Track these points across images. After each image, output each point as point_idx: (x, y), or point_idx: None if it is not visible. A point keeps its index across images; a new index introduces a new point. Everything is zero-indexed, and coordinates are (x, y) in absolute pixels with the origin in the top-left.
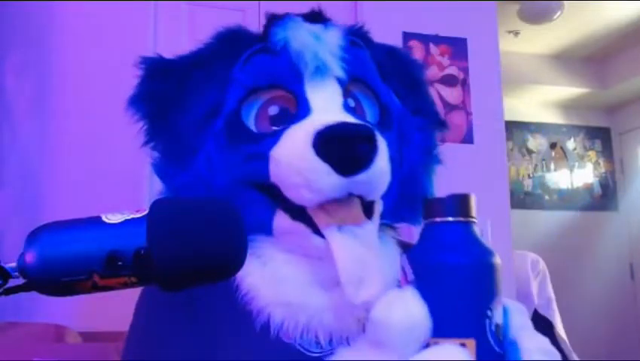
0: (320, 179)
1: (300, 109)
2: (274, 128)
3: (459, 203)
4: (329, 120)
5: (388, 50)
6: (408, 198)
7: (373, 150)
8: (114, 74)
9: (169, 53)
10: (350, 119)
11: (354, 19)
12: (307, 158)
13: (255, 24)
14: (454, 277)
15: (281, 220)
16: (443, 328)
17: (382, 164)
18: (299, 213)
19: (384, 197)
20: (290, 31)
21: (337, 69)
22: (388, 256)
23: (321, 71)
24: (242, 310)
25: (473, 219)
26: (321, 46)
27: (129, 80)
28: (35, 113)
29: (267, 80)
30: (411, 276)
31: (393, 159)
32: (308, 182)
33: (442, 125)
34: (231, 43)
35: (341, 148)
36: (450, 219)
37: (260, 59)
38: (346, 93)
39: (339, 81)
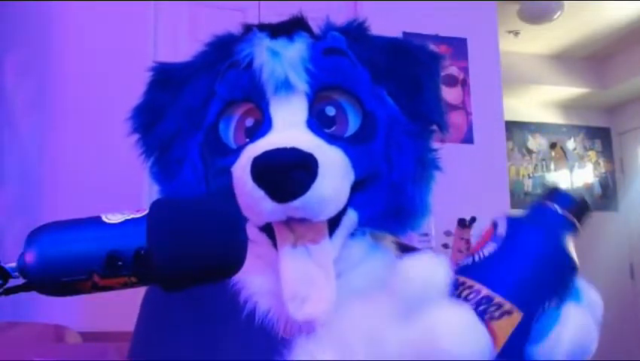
0: (257, 204)
1: (263, 126)
2: (247, 140)
3: (578, 208)
4: (271, 145)
5: (391, 46)
6: (393, 210)
7: (309, 176)
8: (114, 73)
9: (169, 53)
10: (302, 138)
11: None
12: (247, 183)
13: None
14: (541, 255)
15: (250, 230)
16: (509, 289)
17: (323, 189)
18: (265, 225)
19: (369, 205)
20: (253, 48)
21: (300, 84)
22: (382, 264)
23: (281, 87)
24: (232, 299)
25: (578, 227)
26: (279, 62)
27: (129, 79)
28: (35, 113)
29: (240, 94)
30: (502, 231)
31: (372, 170)
32: (249, 206)
33: (442, 128)
34: (218, 53)
35: (273, 176)
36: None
37: (232, 73)
38: (326, 101)
39: (307, 95)
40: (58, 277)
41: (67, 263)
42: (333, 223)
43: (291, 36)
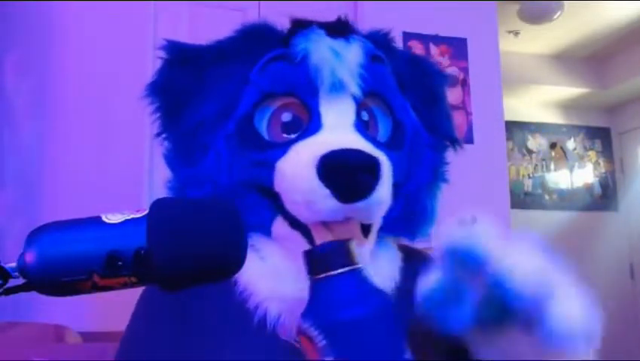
0: (319, 202)
1: (312, 123)
2: (284, 135)
3: (338, 253)
4: (335, 144)
5: (411, 60)
6: (407, 215)
7: (375, 180)
8: (114, 73)
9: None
10: (358, 140)
11: (354, 19)
12: (309, 180)
13: None
14: (360, 331)
15: (280, 226)
16: None
17: (382, 192)
18: (298, 222)
19: (389, 211)
20: (311, 44)
21: (354, 87)
22: (388, 264)
23: (336, 87)
24: (239, 306)
25: (357, 266)
26: (340, 63)
27: (129, 79)
28: (35, 113)
29: (284, 88)
30: (320, 341)
31: (400, 177)
32: (308, 203)
33: (456, 143)
34: (254, 41)
35: (343, 177)
36: (335, 272)
37: (279, 65)
38: (362, 107)
39: (355, 98)
40: (58, 277)
41: (67, 263)
42: (365, 228)
43: (348, 38)
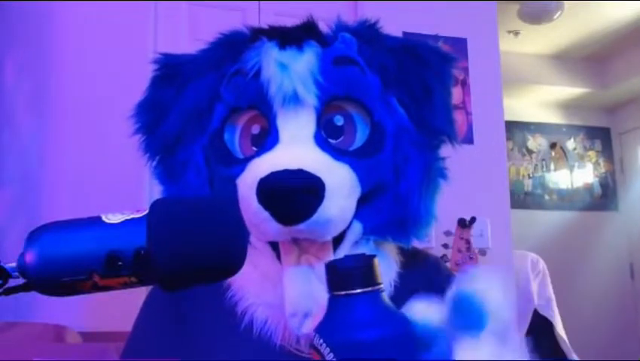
0: (262, 224)
1: (270, 138)
2: (253, 148)
3: (361, 271)
4: (280, 164)
5: (404, 49)
6: (398, 219)
7: (316, 200)
8: (113, 73)
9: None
10: (308, 156)
11: (354, 19)
12: (251, 202)
13: (255, 24)
14: (373, 353)
15: (254, 240)
16: None
17: (329, 211)
18: None
19: (375, 216)
20: (261, 58)
21: (309, 97)
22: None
23: (289, 100)
24: (230, 310)
25: (379, 286)
26: (287, 75)
27: (129, 79)
28: (35, 112)
29: (246, 102)
30: (331, 359)
31: (381, 181)
32: (253, 223)
33: (451, 138)
34: (225, 53)
35: (279, 200)
36: (356, 291)
37: (239, 79)
38: (336, 111)
39: (315, 108)
40: (58, 277)
41: (67, 263)
42: (338, 237)
43: (301, 46)
